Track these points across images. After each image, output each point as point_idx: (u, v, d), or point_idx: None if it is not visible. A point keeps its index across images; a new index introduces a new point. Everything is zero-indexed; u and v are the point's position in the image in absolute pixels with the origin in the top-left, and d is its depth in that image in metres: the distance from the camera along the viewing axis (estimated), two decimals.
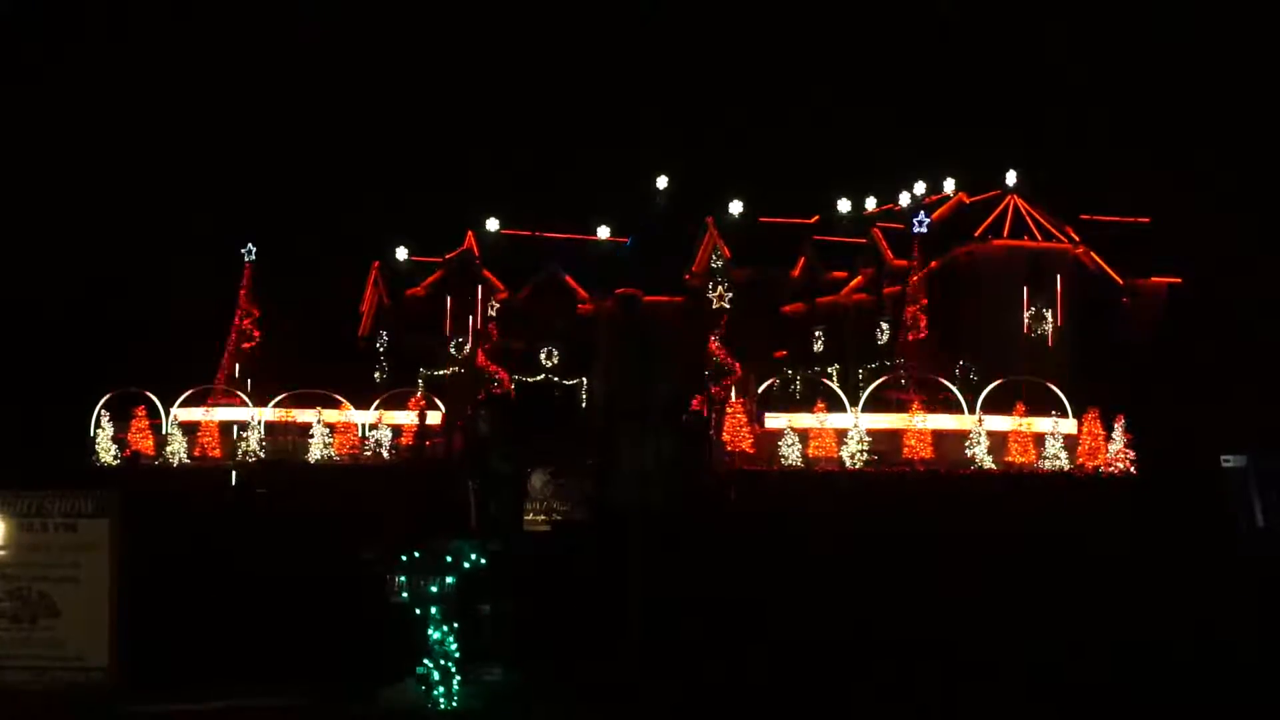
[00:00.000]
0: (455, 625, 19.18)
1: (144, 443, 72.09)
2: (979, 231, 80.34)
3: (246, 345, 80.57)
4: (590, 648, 22.60)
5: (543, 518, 40.70)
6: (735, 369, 71.45)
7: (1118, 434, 68.22)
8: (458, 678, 19.19)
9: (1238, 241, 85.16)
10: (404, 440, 74.92)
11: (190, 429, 72.94)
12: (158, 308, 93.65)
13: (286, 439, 73.48)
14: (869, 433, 67.58)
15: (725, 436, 67.63)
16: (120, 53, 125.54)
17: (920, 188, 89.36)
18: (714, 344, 73.30)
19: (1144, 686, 21.16)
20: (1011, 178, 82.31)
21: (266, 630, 23.01)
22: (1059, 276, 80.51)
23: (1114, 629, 25.41)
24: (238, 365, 79.87)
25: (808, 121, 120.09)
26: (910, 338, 73.98)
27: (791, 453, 66.63)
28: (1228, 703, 20.49)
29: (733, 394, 70.27)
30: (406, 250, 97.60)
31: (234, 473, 65.62)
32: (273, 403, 75.09)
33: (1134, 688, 21.13)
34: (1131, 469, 67.43)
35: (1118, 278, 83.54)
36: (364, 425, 75.33)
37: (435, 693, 19.14)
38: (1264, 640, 24.20)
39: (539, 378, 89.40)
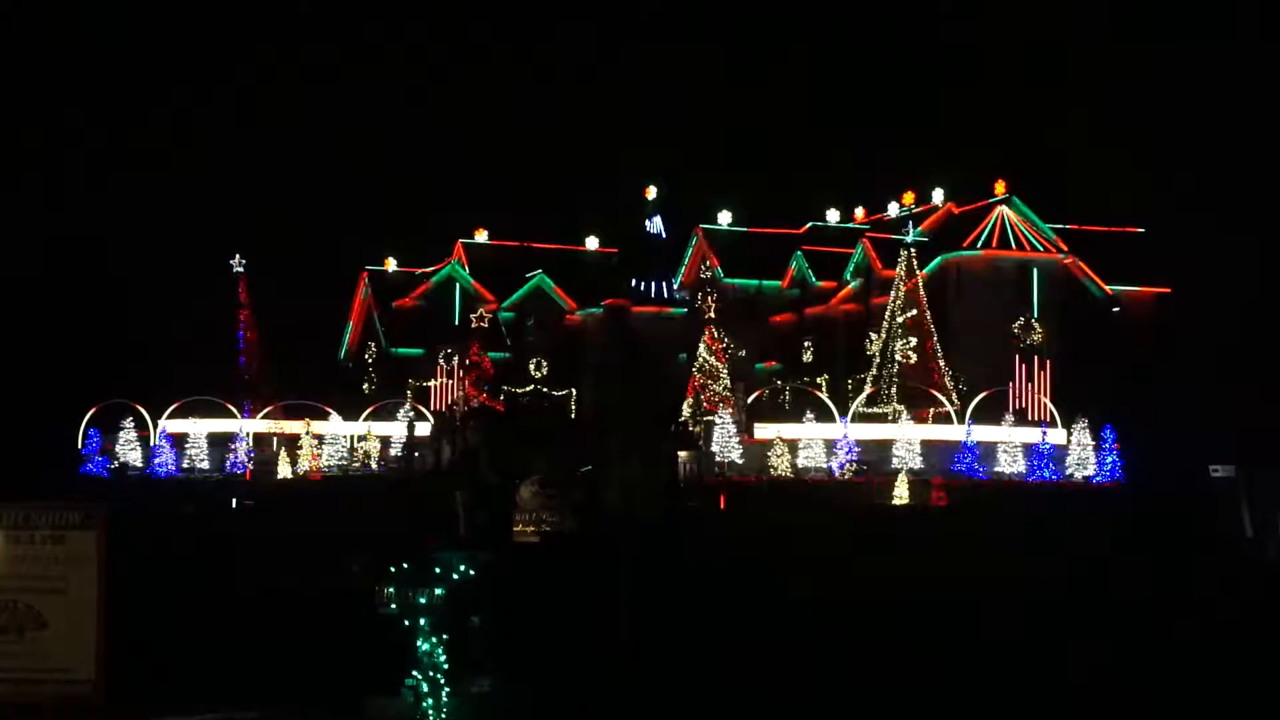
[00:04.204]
0: (444, 636, 19.09)
1: (131, 454, 71.94)
2: (967, 242, 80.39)
3: (249, 360, 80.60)
4: (579, 658, 22.53)
5: (532, 529, 40.57)
6: (722, 370, 71.38)
7: (1106, 444, 68.28)
8: (447, 689, 19.10)
9: (1227, 252, 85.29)
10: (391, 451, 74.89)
11: (179, 440, 72.81)
12: (146, 320, 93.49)
13: (275, 450, 73.35)
14: (858, 442, 67.59)
15: (714, 447, 67.59)
16: (114, 60, 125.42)
17: (909, 198, 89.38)
18: (709, 339, 73.32)
19: (1141, 689, 21.15)
20: (1000, 188, 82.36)
21: (254, 641, 22.93)
22: (1048, 287, 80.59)
23: (1108, 634, 25.41)
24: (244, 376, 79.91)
25: (796, 131, 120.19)
26: (899, 349, 73.98)
27: (780, 463, 66.57)
28: (1222, 704, 20.50)
29: (721, 405, 70.21)
30: (395, 261, 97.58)
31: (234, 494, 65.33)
32: (261, 414, 74.97)
33: (1131, 690, 21.13)
34: (1120, 478, 67.47)
35: (1106, 288, 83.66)
36: (352, 436, 75.22)
37: (424, 704, 19.05)
38: (1259, 646, 24.23)
39: (528, 389, 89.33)
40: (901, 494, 61.44)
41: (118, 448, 72.08)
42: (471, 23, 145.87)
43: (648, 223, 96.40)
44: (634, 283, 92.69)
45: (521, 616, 22.42)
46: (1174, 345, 79.03)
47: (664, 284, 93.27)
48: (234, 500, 62.01)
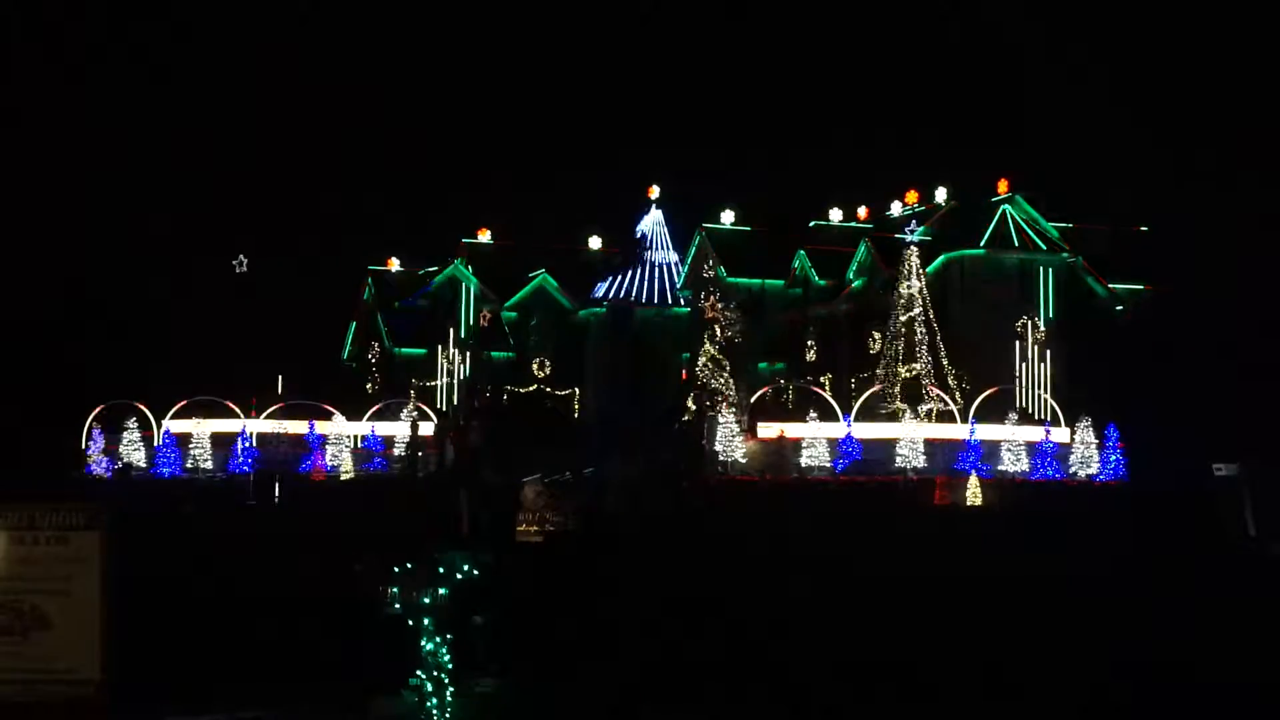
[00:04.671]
0: (448, 637, 19.10)
1: (135, 455, 72.00)
2: (971, 240, 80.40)
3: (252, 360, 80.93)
4: (583, 657, 22.56)
5: (535, 528, 40.66)
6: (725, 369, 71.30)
7: (1109, 442, 68.32)
8: (451, 689, 19.11)
9: (1230, 250, 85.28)
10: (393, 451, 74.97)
11: (182, 440, 72.86)
12: (150, 320, 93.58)
13: (278, 450, 73.43)
14: (861, 441, 67.63)
15: (717, 446, 67.66)
16: (117, 59, 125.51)
17: (912, 197, 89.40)
18: (712, 338, 73.49)
19: (1144, 692, 21.16)
20: (1004, 187, 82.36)
21: (259, 643, 22.95)
22: (1051, 285, 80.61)
23: (1111, 635, 25.41)
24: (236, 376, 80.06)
25: (799, 130, 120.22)
26: (903, 347, 74.03)
27: (787, 462, 66.63)
28: (1228, 707, 20.51)
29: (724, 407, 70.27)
30: (398, 261, 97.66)
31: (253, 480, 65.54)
32: (264, 414, 75.04)
33: (1134, 693, 21.13)
34: (1123, 477, 67.50)
35: (1110, 286, 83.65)
36: (356, 436, 75.30)
37: (428, 705, 19.05)
38: (1262, 646, 24.22)
39: (531, 388, 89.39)
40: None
41: (121, 448, 72.16)
42: (475, 23, 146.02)
43: (650, 221, 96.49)
44: (637, 281, 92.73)
45: (525, 616, 22.44)
46: (1177, 343, 79.00)
47: (666, 283, 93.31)
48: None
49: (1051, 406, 71.96)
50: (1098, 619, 26.96)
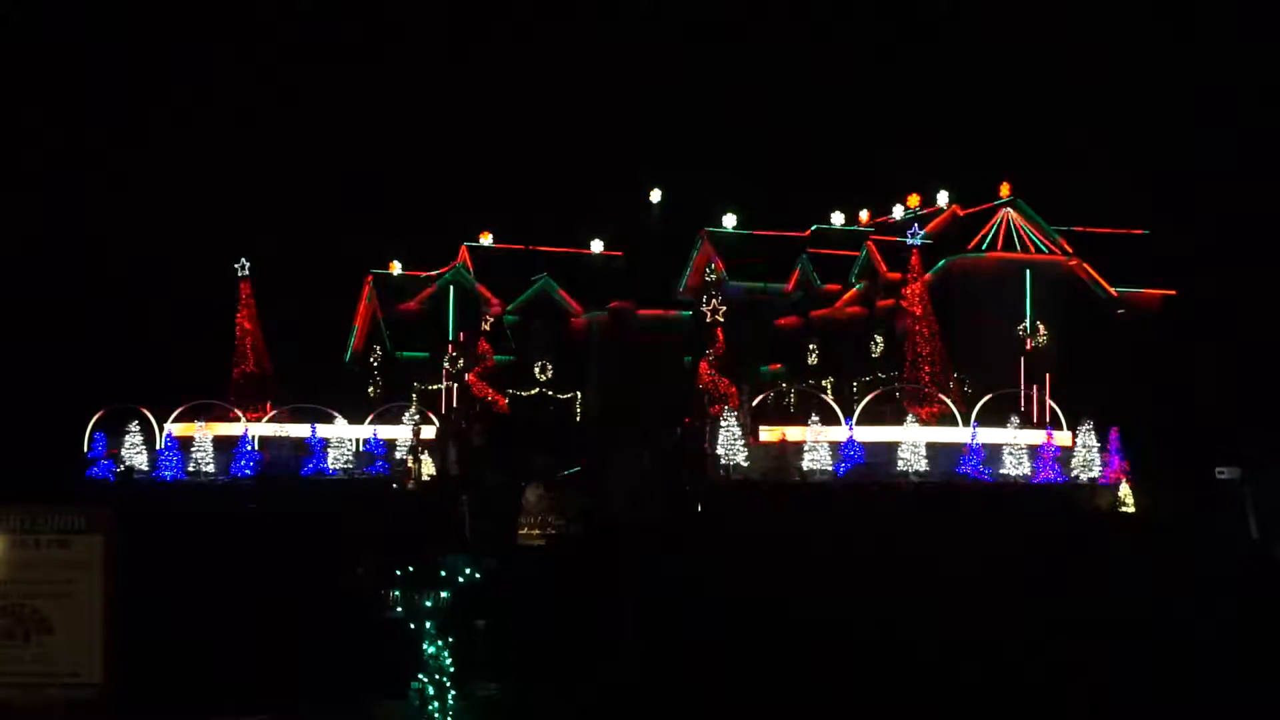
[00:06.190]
0: (450, 640, 19.10)
1: (138, 458, 71.90)
2: (973, 244, 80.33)
3: (246, 367, 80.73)
4: (584, 659, 22.56)
5: (537, 532, 40.65)
6: (730, 393, 71.08)
7: (1112, 446, 68.16)
8: (453, 692, 19.11)
9: (1231, 253, 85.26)
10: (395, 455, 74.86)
11: (184, 444, 72.78)
12: (152, 323, 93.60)
13: (280, 454, 73.38)
14: (862, 444, 67.49)
15: (719, 450, 67.52)
16: (117, 60, 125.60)
17: (914, 200, 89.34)
18: (705, 368, 73.33)
19: (1145, 687, 21.15)
20: (1005, 190, 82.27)
21: (262, 645, 22.97)
22: (1052, 289, 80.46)
23: (1114, 632, 25.39)
24: (235, 381, 79.95)
25: (801, 134, 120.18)
26: (905, 352, 73.94)
27: (794, 463, 66.45)
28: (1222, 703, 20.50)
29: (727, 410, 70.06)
30: (400, 264, 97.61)
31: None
32: (266, 418, 74.96)
33: (1134, 688, 21.12)
34: (1126, 481, 67.32)
35: (1111, 290, 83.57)
36: (358, 440, 75.22)
37: (430, 707, 19.05)
38: (1261, 644, 24.20)
39: (533, 392, 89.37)
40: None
41: (123, 451, 72.08)
42: (477, 25, 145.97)
43: (652, 225, 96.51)
44: (639, 285, 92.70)
45: (527, 619, 22.45)
46: (1179, 347, 78.94)
47: (669, 287, 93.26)
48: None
49: (1053, 410, 71.79)
50: None
